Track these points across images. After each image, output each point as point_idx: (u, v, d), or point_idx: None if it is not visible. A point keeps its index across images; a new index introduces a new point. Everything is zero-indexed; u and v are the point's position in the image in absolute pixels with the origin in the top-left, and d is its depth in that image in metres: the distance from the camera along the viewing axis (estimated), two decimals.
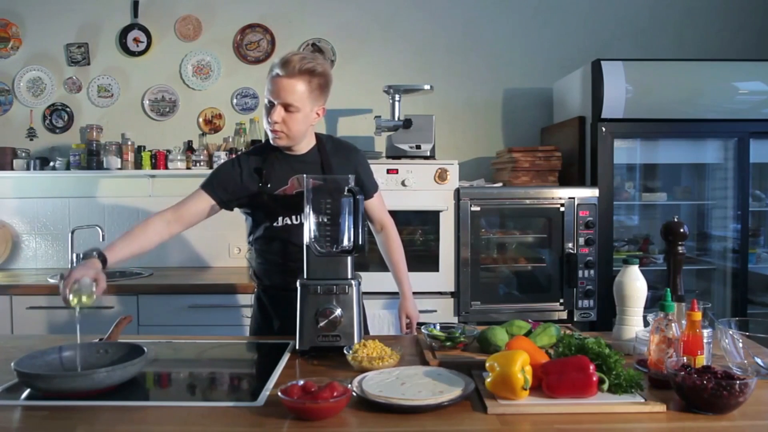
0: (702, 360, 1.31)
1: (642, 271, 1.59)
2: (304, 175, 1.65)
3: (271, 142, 1.78)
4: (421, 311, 2.77)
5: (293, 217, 1.80)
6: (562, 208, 2.84)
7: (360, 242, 1.55)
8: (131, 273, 3.15)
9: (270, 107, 1.70)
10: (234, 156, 2.00)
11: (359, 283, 1.60)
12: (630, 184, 3.16)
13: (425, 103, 3.40)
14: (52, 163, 3.25)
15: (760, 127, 2.93)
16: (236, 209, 1.89)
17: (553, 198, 2.85)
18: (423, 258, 2.86)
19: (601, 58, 2.87)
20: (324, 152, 1.85)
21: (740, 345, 1.36)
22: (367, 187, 1.90)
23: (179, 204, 1.81)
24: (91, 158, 3.25)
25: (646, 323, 1.56)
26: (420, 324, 1.70)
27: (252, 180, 1.80)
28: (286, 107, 1.68)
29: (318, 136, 1.88)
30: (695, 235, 3.24)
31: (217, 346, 1.78)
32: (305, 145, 1.83)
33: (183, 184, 3.40)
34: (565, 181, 3.07)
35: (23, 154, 3.27)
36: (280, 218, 1.81)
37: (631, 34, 3.49)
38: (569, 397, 1.20)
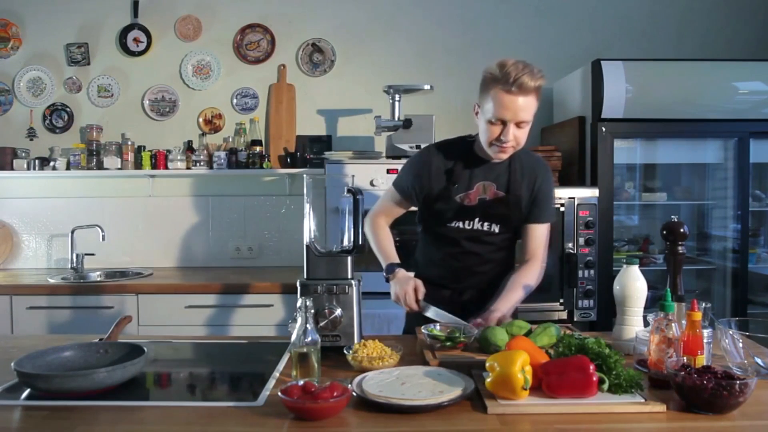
0: (702, 360, 1.31)
1: (642, 271, 1.59)
2: (489, 183, 1.80)
3: (492, 156, 1.76)
4: None
5: (466, 222, 1.83)
6: (562, 208, 2.84)
7: (360, 242, 1.57)
8: (131, 273, 3.15)
9: (501, 126, 1.67)
10: (422, 149, 1.98)
11: (359, 283, 1.61)
12: (630, 184, 3.16)
13: (425, 103, 3.40)
14: (52, 163, 3.26)
15: (760, 127, 2.93)
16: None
17: None
18: None
19: (601, 58, 2.87)
20: (515, 166, 1.82)
21: (740, 345, 1.36)
22: (538, 211, 1.84)
23: (386, 207, 1.98)
24: (91, 158, 3.25)
25: (646, 323, 1.56)
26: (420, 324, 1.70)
27: (439, 179, 1.83)
28: (520, 124, 1.68)
29: None
30: (695, 235, 3.24)
31: (217, 346, 1.78)
32: None
33: (183, 184, 3.41)
34: (565, 181, 3.07)
35: (23, 154, 3.27)
36: (455, 220, 1.83)
37: (631, 34, 3.49)
38: (569, 397, 1.20)
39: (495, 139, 1.69)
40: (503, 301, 1.73)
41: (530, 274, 1.82)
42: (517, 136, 1.69)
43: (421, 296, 1.73)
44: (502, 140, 1.68)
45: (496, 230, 1.83)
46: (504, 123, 1.66)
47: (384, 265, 1.87)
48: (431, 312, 1.71)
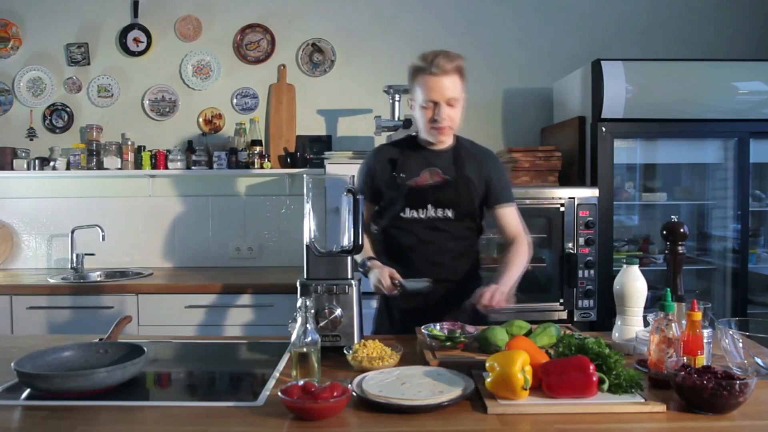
0: (702, 360, 1.31)
1: (642, 271, 1.59)
2: (434, 169, 1.86)
3: (432, 140, 1.87)
4: None
5: (420, 210, 1.88)
6: (562, 208, 2.84)
7: (360, 242, 1.57)
8: (131, 273, 3.15)
9: (433, 107, 1.80)
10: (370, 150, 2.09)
11: (359, 283, 1.61)
12: (630, 184, 3.16)
13: None
14: (52, 163, 3.25)
15: (760, 127, 2.93)
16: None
17: (553, 198, 2.85)
18: None
19: (601, 58, 2.87)
20: (459, 151, 1.92)
21: (740, 345, 1.36)
22: (497, 193, 1.93)
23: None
24: (91, 158, 3.25)
25: (646, 323, 1.56)
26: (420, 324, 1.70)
27: (385, 170, 1.91)
28: (450, 102, 1.79)
29: (457, 137, 1.96)
30: (695, 235, 3.24)
31: (217, 346, 1.78)
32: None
33: (183, 184, 3.41)
34: (565, 181, 3.07)
35: (23, 154, 3.27)
36: (407, 209, 1.89)
37: (631, 34, 3.49)
38: (569, 397, 1.20)
39: (430, 120, 1.81)
40: (504, 278, 1.81)
41: (521, 251, 1.92)
42: (451, 116, 1.81)
43: (397, 279, 1.75)
44: (436, 120, 1.79)
45: (450, 215, 1.88)
46: (435, 104, 1.79)
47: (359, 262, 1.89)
48: (408, 285, 1.74)
